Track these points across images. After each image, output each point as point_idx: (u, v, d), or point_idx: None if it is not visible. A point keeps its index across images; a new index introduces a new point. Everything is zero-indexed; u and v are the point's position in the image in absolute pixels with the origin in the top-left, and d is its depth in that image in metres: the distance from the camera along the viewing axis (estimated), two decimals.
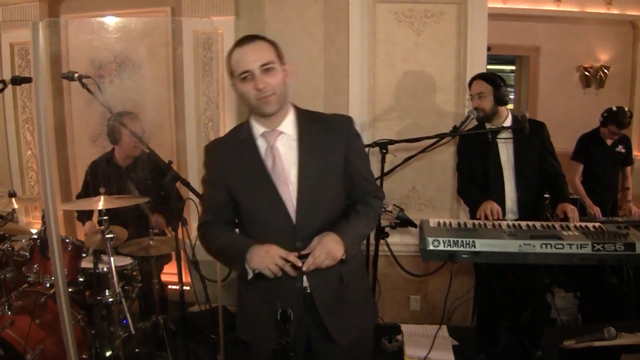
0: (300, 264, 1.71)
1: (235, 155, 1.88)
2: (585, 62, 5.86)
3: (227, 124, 3.89)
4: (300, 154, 1.85)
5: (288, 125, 1.88)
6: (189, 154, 3.99)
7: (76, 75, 2.81)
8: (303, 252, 1.75)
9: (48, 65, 1.56)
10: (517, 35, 5.83)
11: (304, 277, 1.85)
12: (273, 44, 1.82)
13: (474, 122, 3.11)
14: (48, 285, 2.88)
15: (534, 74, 5.96)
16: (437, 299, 3.91)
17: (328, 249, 1.73)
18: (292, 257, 1.72)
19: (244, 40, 1.80)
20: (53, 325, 2.76)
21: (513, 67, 6.67)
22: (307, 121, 1.90)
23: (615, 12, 5.73)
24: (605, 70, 5.82)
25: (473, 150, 3.13)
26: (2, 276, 2.88)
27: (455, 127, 3.05)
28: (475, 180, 3.13)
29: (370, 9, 3.59)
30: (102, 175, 3.36)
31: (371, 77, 3.66)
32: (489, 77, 3.06)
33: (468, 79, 3.57)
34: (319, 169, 1.85)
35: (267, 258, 1.71)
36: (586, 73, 5.86)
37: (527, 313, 2.95)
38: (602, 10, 5.74)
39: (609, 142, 4.15)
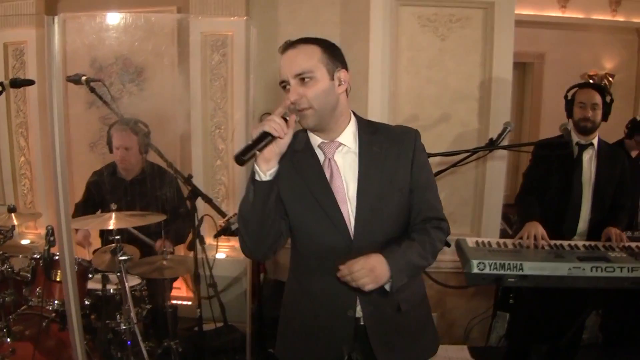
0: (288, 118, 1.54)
1: (292, 166, 1.66)
2: (590, 69, 5.75)
3: (236, 132, 3.66)
4: (361, 167, 1.66)
5: (348, 136, 1.68)
6: (194, 163, 3.73)
7: (84, 78, 2.59)
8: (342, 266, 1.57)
9: (64, 65, 1.33)
10: (521, 42, 5.65)
11: (357, 306, 1.67)
12: (323, 47, 1.60)
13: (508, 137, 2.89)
14: (51, 308, 2.61)
15: (537, 81, 5.85)
16: (455, 317, 3.74)
17: (372, 265, 1.54)
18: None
19: (285, 46, 1.61)
20: (57, 353, 2.52)
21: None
22: (369, 132, 1.70)
23: (621, 19, 5.65)
24: (610, 78, 5.74)
25: (553, 162, 2.94)
26: (2, 300, 2.57)
27: (491, 140, 2.82)
28: (541, 192, 2.96)
29: (393, 13, 3.37)
30: (106, 187, 3.09)
31: (392, 85, 3.44)
32: (603, 89, 2.91)
33: (493, 86, 3.45)
34: (381, 185, 1.66)
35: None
36: (591, 81, 5.70)
37: (568, 335, 2.81)
38: (608, 17, 5.65)
39: (634, 154, 3.95)
